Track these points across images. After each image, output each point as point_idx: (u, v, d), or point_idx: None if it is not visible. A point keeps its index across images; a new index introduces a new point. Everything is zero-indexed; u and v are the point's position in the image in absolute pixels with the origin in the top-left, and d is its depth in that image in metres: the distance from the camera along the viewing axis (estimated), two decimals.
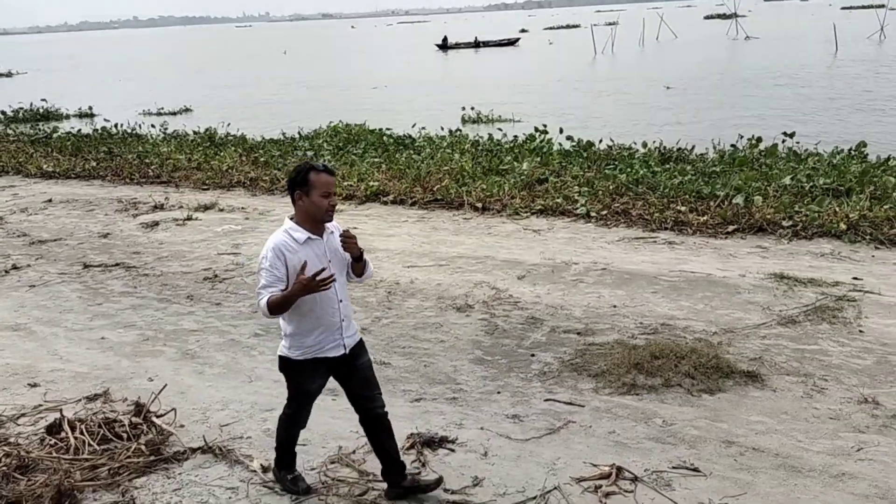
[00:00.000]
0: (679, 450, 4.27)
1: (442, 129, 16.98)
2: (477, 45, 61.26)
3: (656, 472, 4.03)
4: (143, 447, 4.14)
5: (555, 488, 3.87)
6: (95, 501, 3.75)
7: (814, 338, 5.75)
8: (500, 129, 16.71)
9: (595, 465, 4.04)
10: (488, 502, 3.78)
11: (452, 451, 4.29)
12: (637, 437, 4.44)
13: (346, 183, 11.52)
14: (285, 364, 3.68)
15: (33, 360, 5.73)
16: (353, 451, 4.27)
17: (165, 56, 79.77)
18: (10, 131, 20.24)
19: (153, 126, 19.58)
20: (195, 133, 17.77)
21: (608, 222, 9.37)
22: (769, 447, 4.27)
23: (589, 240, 8.72)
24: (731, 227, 8.73)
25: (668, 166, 11.85)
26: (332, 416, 4.71)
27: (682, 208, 9.38)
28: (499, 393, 5.06)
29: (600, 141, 14.02)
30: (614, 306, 6.59)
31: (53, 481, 3.69)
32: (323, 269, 3.36)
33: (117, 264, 8.29)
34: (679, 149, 13.28)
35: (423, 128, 17.23)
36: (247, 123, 20.31)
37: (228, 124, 18.82)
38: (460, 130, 17.55)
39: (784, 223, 8.65)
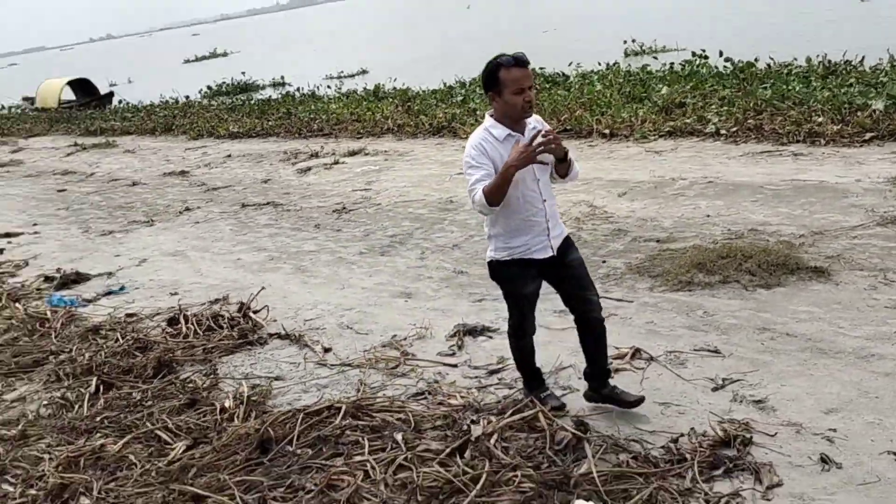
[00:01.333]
0: (709, 336, 4.36)
1: (599, 63, 16.87)
2: None
3: (675, 352, 4.19)
4: (234, 334, 4.97)
5: (570, 366, 4.16)
6: (189, 370, 4.63)
7: None
8: (655, 58, 16.28)
9: (617, 348, 4.27)
10: (500, 369, 4.18)
11: (491, 338, 4.70)
12: (672, 325, 4.57)
13: None
14: (494, 268, 3.56)
15: (180, 276, 6.84)
16: (405, 338, 4.82)
17: (358, 24, 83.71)
18: (212, 103, 22.73)
19: (329, 87, 21.11)
20: (364, 90, 18.97)
21: (737, 139, 9.05)
22: (804, 332, 4.23)
23: (710, 157, 8.52)
24: (868, 135, 8.12)
25: (828, 80, 11.08)
26: (400, 313, 5.29)
27: (820, 119, 8.83)
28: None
29: (756, 59, 13.26)
30: (707, 216, 6.53)
31: (157, 355, 4.60)
32: (539, 132, 3.25)
33: (268, 203, 9.38)
34: (847, 61, 12.26)
35: (579, 64, 17.22)
36: (416, 78, 21.26)
37: (395, 79, 19.83)
38: (618, 64, 17.29)
39: None
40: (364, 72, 27.40)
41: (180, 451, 3.48)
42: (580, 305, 3.57)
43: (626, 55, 20.39)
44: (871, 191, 6.46)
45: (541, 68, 17.32)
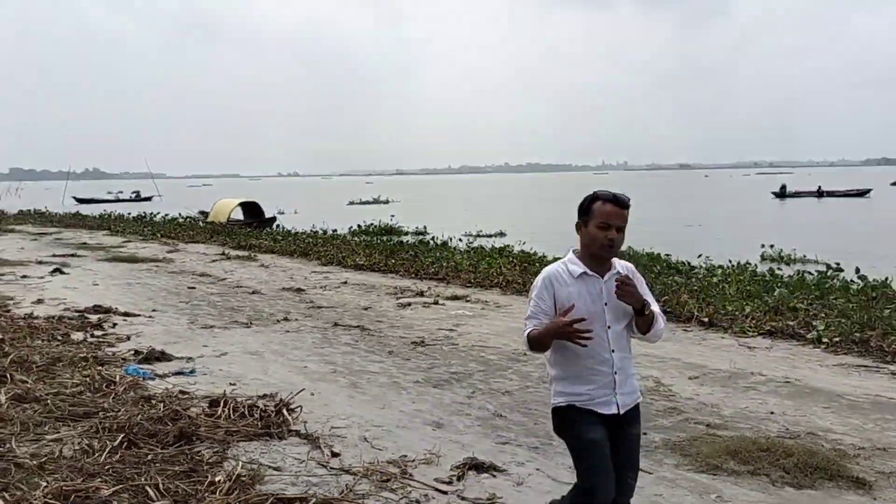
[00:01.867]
0: None
1: (730, 261, 16.75)
2: (820, 193, 57.27)
3: None
4: (258, 423, 5.22)
5: None
6: (204, 446, 4.88)
7: None
8: (788, 265, 15.97)
9: None
10: None
11: (494, 476, 4.66)
12: (680, 502, 4.34)
13: None
14: (556, 417, 3.28)
15: (247, 371, 7.25)
16: (413, 460, 4.86)
17: (511, 193, 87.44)
18: (355, 239, 24.30)
19: (460, 241, 22.06)
20: (491, 248, 19.69)
21: (837, 350, 8.61)
22: None
23: (802, 361, 8.14)
24: None
25: None
26: (422, 438, 5.36)
27: None
28: None
29: (888, 279, 12.70)
30: (771, 412, 6.22)
31: (181, 426, 4.91)
32: (583, 320, 3.02)
33: (358, 326, 9.83)
34: None
35: (709, 258, 17.21)
36: (550, 247, 21.78)
37: (524, 242, 20.47)
38: (749, 263, 17.04)
39: None
40: (502, 234, 28.44)
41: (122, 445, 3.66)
42: (617, 486, 3.16)
43: (763, 259, 20.04)
44: None
45: (666, 254, 17.41)
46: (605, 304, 3.16)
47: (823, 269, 16.39)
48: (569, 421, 3.21)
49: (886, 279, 12.73)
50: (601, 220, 3.13)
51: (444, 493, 4.35)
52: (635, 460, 3.30)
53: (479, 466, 4.76)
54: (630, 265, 3.34)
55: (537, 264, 15.75)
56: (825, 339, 8.94)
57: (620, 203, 3.15)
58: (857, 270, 14.14)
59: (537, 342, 3.12)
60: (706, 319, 10.20)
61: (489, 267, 15.18)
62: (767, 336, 9.39)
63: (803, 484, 4.62)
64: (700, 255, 17.74)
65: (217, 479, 4.12)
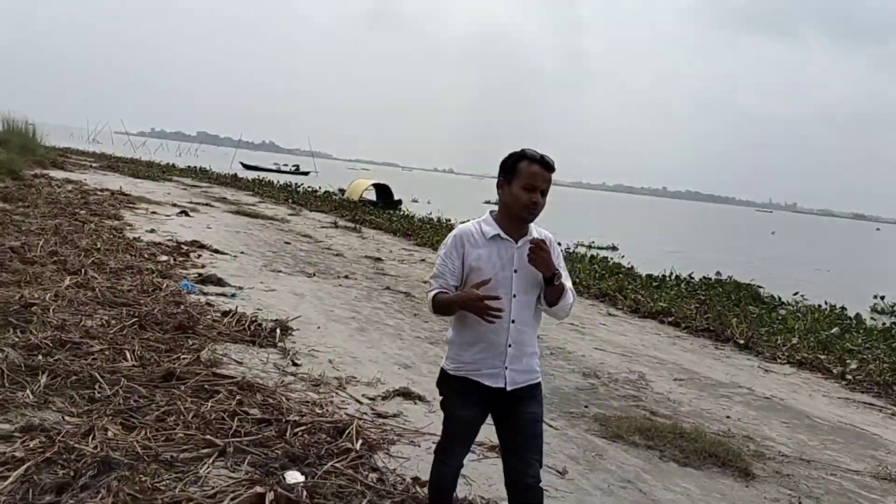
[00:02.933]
0: (576, 466, 4.65)
1: (825, 303, 16.24)
2: None
3: None
4: (248, 333, 6.23)
5: None
6: (195, 336, 5.95)
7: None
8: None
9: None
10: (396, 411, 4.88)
11: (416, 403, 5.39)
12: (556, 446, 4.90)
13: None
14: (440, 378, 3.19)
15: (281, 304, 8.28)
16: (356, 379, 5.69)
17: (667, 220, 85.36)
18: None
19: (567, 247, 22.48)
20: (590, 258, 20.03)
21: (856, 387, 8.54)
22: (643, 502, 4.36)
23: (808, 389, 8.20)
24: None
25: None
26: (382, 371, 6.17)
27: None
28: None
29: None
30: (727, 417, 6.51)
31: (184, 318, 6.01)
32: (497, 298, 2.85)
33: (405, 292, 10.72)
34: None
35: (805, 297, 16.78)
36: (654, 266, 21.68)
37: (623, 257, 20.61)
38: (845, 310, 16.38)
39: None
40: (614, 248, 28.43)
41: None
42: (517, 465, 3.02)
43: (873, 310, 19.09)
44: None
45: (757, 285, 17.09)
46: (515, 270, 2.98)
47: None
48: (449, 387, 3.10)
49: None
50: (527, 181, 2.93)
51: (360, 402, 5.14)
52: (535, 441, 3.04)
53: (408, 394, 5.51)
54: (547, 232, 3.12)
55: (624, 278, 16.02)
56: (848, 377, 8.87)
57: (547, 166, 2.96)
58: None
59: (443, 308, 2.97)
60: (742, 342, 10.28)
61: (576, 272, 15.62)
62: (796, 365, 9.40)
63: (689, 464, 5.03)
64: (796, 293, 17.26)
65: (180, 356, 5.13)
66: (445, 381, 3.14)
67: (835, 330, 11.52)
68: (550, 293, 3.01)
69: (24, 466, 3.14)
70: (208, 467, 3.53)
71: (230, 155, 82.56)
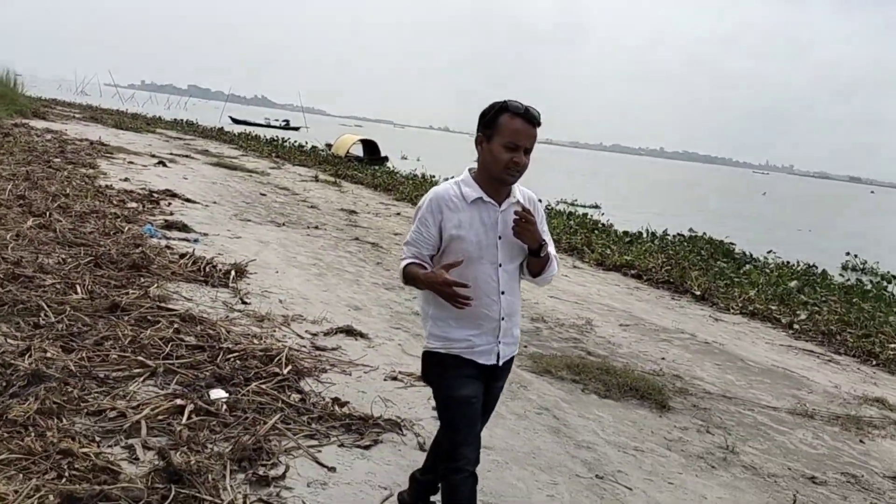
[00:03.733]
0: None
1: (798, 262, 16.59)
2: None
3: None
4: (202, 273, 6.47)
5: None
6: (152, 276, 6.20)
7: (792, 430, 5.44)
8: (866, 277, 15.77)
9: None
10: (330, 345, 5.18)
11: (356, 339, 5.67)
12: None
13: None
14: (426, 362, 2.83)
15: (244, 251, 8.50)
16: (303, 317, 5.95)
17: (656, 180, 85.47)
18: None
19: (546, 204, 22.68)
20: (568, 214, 20.26)
21: (801, 336, 8.87)
22: (570, 433, 4.66)
23: (752, 336, 8.51)
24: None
25: None
26: (331, 311, 6.43)
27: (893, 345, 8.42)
28: None
29: None
30: (662, 358, 6.82)
31: (139, 255, 6.25)
32: (467, 286, 2.58)
33: (373, 243, 10.95)
34: None
35: (778, 255, 17.15)
36: (635, 224, 21.91)
37: (602, 214, 20.84)
38: (815, 267, 16.75)
39: None
40: (596, 206, 28.66)
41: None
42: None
43: (844, 268, 19.48)
44: (833, 395, 6.33)
45: (729, 242, 17.38)
46: (499, 237, 2.70)
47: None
48: (441, 369, 2.74)
49: None
50: (508, 138, 2.61)
51: (302, 337, 5.41)
52: (488, 415, 2.94)
53: (350, 332, 5.78)
54: (531, 193, 2.88)
55: (600, 234, 16.28)
56: (795, 326, 9.20)
57: (532, 119, 2.63)
58: None
59: (410, 281, 2.69)
60: (698, 293, 10.59)
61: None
62: (748, 316, 9.72)
63: (609, 396, 5.34)
64: (770, 251, 17.62)
65: (129, 291, 5.37)
66: (434, 363, 2.75)
67: (793, 283, 11.84)
68: (535, 264, 2.76)
69: None
70: (138, 385, 3.81)
71: (220, 109, 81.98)
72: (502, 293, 2.74)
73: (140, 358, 4.06)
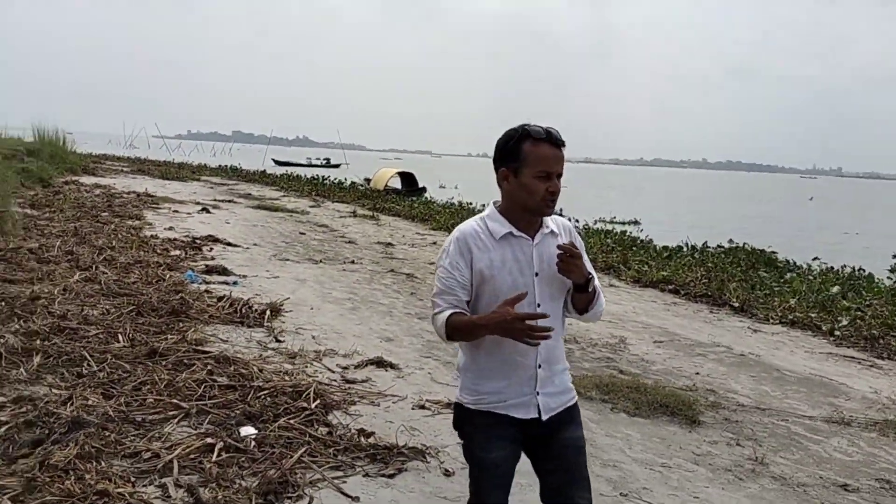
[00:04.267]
0: None
1: (844, 266, 16.30)
2: None
3: None
4: (238, 315, 6.72)
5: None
6: (190, 320, 6.46)
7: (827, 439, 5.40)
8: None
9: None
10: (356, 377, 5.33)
11: (387, 370, 5.81)
12: None
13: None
14: (457, 416, 2.62)
15: (281, 290, 8.78)
16: (334, 352, 6.13)
17: (697, 192, 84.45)
18: None
19: (582, 224, 22.74)
20: (603, 232, 20.23)
21: (843, 343, 8.73)
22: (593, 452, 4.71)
23: (791, 346, 8.41)
24: None
25: None
26: (364, 345, 6.60)
27: None
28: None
29: None
30: (697, 373, 6.81)
31: (173, 305, 6.53)
32: (545, 316, 2.39)
33: (408, 273, 11.16)
34: None
35: (824, 262, 16.87)
36: (675, 239, 21.79)
37: (642, 230, 20.75)
38: (862, 270, 16.40)
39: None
40: (636, 222, 28.50)
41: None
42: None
43: (892, 270, 18.98)
44: (872, 400, 6.25)
45: (771, 251, 17.12)
46: (536, 274, 2.47)
47: None
48: (471, 428, 2.54)
49: None
50: (540, 167, 2.40)
51: (333, 371, 5.58)
52: (580, 475, 2.53)
53: (380, 363, 5.93)
54: (564, 221, 2.66)
55: (632, 249, 16.24)
56: (836, 333, 9.06)
57: (557, 142, 2.44)
58: None
59: (463, 332, 2.41)
60: (737, 305, 10.49)
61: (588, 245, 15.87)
62: (787, 325, 9.60)
63: (638, 414, 5.37)
64: (815, 258, 17.34)
65: (168, 336, 5.62)
66: (465, 419, 2.55)
67: (835, 289, 11.63)
68: (582, 300, 2.53)
69: (6, 427, 3.65)
70: (172, 426, 4.01)
71: (263, 152, 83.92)
72: None
73: (175, 400, 4.28)
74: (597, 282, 2.53)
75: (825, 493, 4.31)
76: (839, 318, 9.68)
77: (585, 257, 2.50)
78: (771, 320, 9.80)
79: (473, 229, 2.48)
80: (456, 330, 2.38)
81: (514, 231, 2.46)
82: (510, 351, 2.42)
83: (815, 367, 7.44)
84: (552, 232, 2.52)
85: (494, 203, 2.55)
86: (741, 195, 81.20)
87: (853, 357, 8.06)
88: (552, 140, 2.42)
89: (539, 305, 2.45)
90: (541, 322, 2.32)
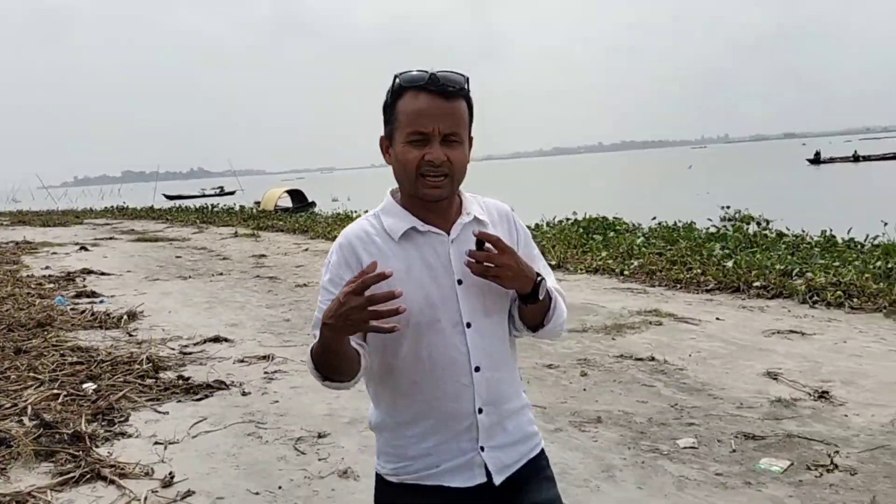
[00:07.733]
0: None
1: (675, 222, 18.49)
2: (856, 158, 58.71)
3: None
4: (96, 321, 7.94)
5: None
6: (52, 329, 7.64)
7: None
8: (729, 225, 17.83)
9: None
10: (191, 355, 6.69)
11: (222, 344, 7.19)
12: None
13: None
14: (377, 493, 1.85)
15: (145, 303, 9.94)
16: (181, 337, 7.46)
17: (593, 172, 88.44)
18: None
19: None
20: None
21: (630, 279, 10.60)
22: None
23: (583, 286, 10.20)
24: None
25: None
26: (205, 329, 7.95)
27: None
28: None
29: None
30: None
31: (39, 318, 7.70)
32: (388, 275, 1.51)
33: (272, 277, 12.45)
34: (850, 238, 12.94)
35: (655, 218, 19.06)
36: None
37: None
38: (692, 224, 18.65)
39: (755, 283, 9.08)
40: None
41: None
42: None
43: (722, 219, 21.53)
44: (616, 314, 8.03)
45: (615, 218, 19.26)
46: (459, 281, 1.72)
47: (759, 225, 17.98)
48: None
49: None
50: (412, 128, 1.66)
51: (173, 349, 6.91)
52: None
53: (217, 339, 7.29)
54: (501, 205, 1.90)
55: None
56: (626, 272, 10.96)
57: (443, 89, 1.66)
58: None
59: (322, 358, 1.62)
60: (554, 262, 12.31)
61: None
62: (592, 272, 11.45)
63: None
64: (654, 218, 19.46)
65: (33, 341, 6.82)
66: (384, 497, 1.83)
67: (640, 240, 13.63)
68: (532, 312, 1.78)
69: None
70: (30, 392, 5.28)
71: (161, 188, 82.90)
72: (476, 369, 1.73)
73: (31, 374, 5.54)
74: (552, 283, 1.82)
75: (535, 372, 5.94)
76: (631, 262, 11.59)
77: (535, 253, 1.88)
78: (579, 271, 11.63)
79: (363, 230, 1.76)
80: (317, 357, 1.64)
81: (419, 225, 1.72)
82: (433, 392, 1.72)
83: (591, 298, 9.20)
84: (476, 219, 1.77)
85: (391, 192, 1.83)
86: (627, 171, 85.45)
87: (631, 288, 9.89)
88: (437, 85, 1.64)
89: (469, 325, 1.72)
90: (383, 271, 1.50)
